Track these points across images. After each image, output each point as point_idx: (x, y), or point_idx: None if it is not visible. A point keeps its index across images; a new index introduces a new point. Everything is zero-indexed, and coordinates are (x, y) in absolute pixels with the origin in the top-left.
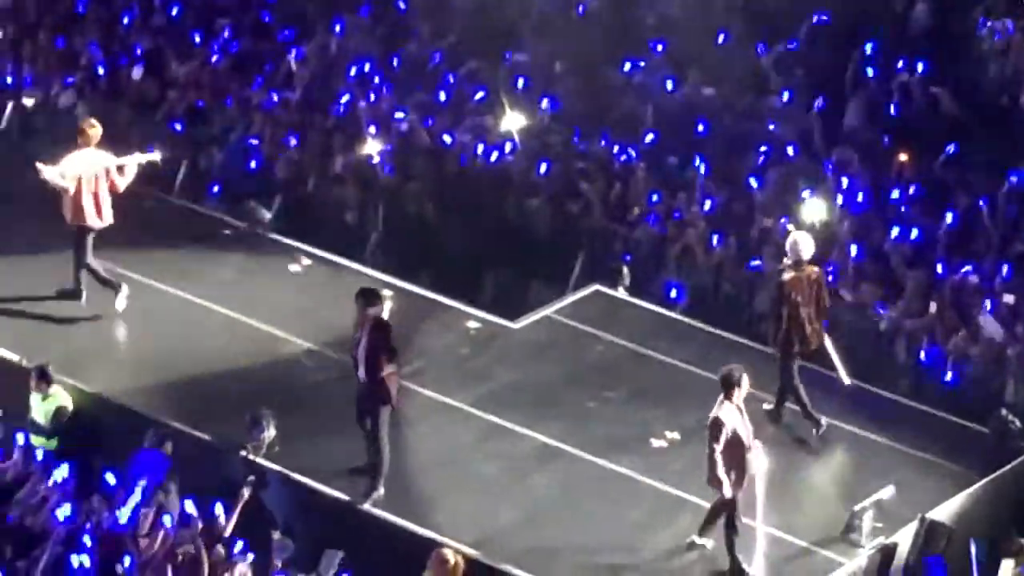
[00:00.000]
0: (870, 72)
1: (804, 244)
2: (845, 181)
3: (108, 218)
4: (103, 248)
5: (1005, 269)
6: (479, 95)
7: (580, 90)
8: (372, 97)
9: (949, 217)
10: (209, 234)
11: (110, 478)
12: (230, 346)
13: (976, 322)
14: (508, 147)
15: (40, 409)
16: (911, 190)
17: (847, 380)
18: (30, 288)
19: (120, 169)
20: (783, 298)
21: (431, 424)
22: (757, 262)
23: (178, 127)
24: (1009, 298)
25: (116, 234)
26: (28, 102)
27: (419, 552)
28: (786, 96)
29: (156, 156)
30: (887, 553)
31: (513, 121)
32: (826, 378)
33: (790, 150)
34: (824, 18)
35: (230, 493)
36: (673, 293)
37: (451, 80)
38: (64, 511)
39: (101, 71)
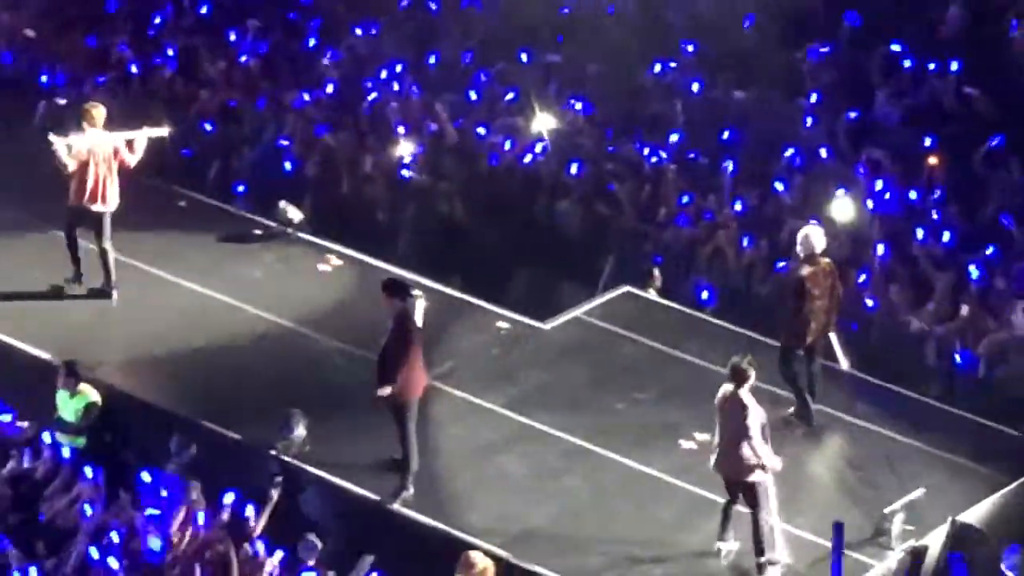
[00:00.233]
0: (902, 74)
1: (816, 237)
2: (879, 184)
3: (112, 203)
4: (135, 247)
5: None
6: (510, 96)
7: (611, 91)
8: (404, 97)
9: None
10: (240, 234)
11: (145, 477)
12: (260, 345)
13: (1008, 323)
14: (539, 148)
15: (69, 406)
16: (941, 192)
17: (846, 365)
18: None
19: (129, 145)
20: (804, 294)
21: (461, 425)
22: (782, 264)
23: (209, 127)
24: None
25: (147, 233)
26: (61, 101)
27: (450, 553)
28: (816, 98)
29: (165, 131)
30: (917, 556)
31: (544, 122)
32: (856, 379)
33: (823, 152)
34: (857, 20)
35: (259, 492)
36: (704, 295)
37: (482, 80)
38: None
39: (134, 69)
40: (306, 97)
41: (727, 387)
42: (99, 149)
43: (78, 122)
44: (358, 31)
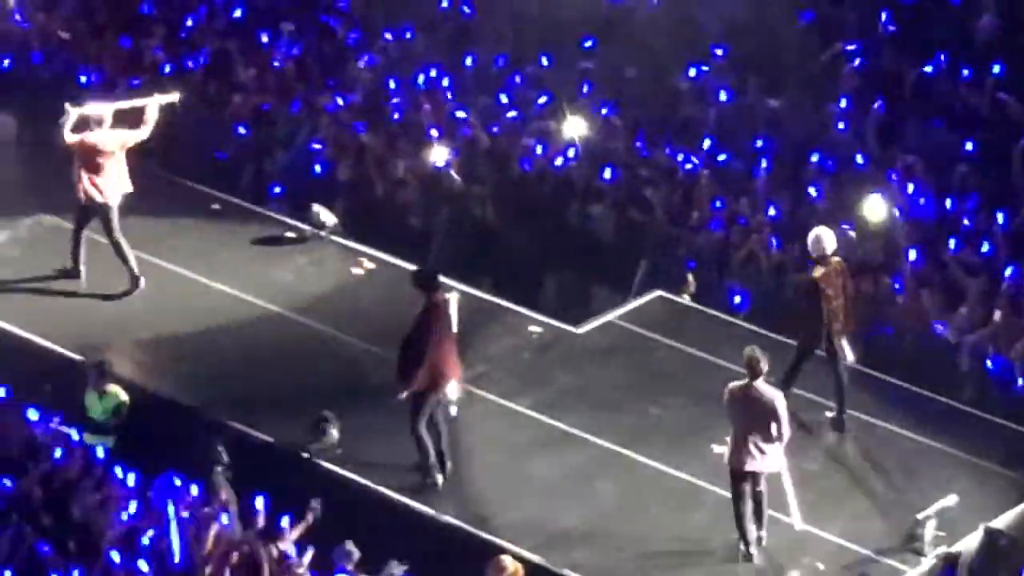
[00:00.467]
0: (936, 80)
1: (827, 239)
2: (910, 187)
3: (117, 196)
4: (169, 248)
5: None
6: (542, 99)
7: (644, 95)
8: (437, 101)
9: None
10: (273, 236)
11: (176, 481)
12: (292, 348)
13: None
14: (571, 152)
15: (98, 406)
16: (974, 198)
17: (852, 359)
18: (91, 285)
19: (139, 118)
20: (820, 294)
21: (493, 428)
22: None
23: (243, 130)
24: None
25: (181, 235)
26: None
27: (481, 556)
28: (848, 102)
29: (174, 97)
30: (949, 562)
31: (576, 126)
32: (890, 386)
33: (859, 159)
34: (891, 27)
35: (290, 496)
36: (737, 299)
37: (515, 84)
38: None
39: (167, 69)
40: (340, 101)
41: (739, 382)
42: (105, 147)
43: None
44: (388, 35)
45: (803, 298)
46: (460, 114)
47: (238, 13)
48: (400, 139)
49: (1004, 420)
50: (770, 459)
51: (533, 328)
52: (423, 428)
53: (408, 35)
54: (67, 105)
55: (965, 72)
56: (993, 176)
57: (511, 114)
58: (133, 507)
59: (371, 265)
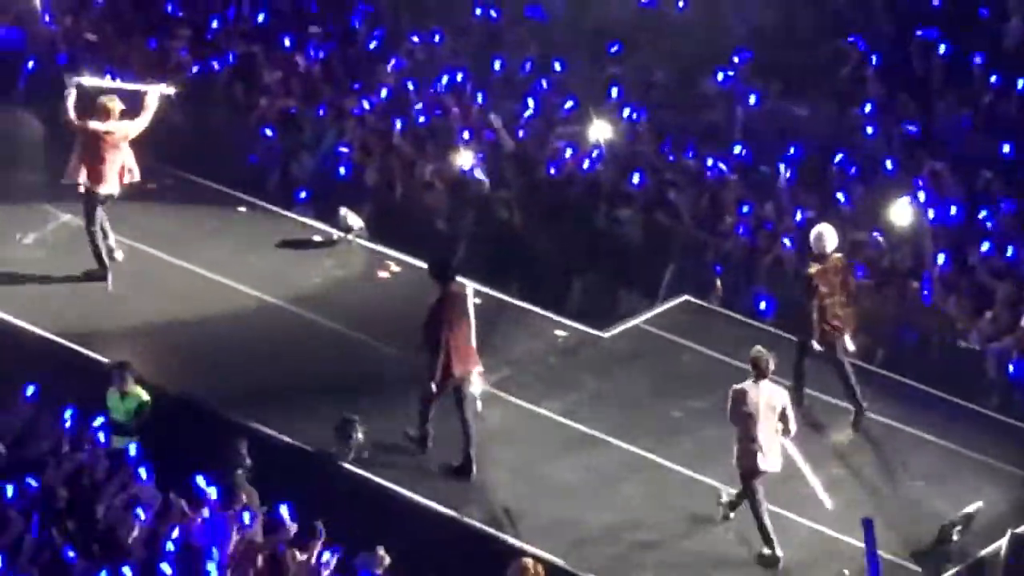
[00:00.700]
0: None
1: (828, 236)
2: (934, 193)
3: (114, 187)
4: (195, 251)
5: None
6: (569, 104)
7: (671, 100)
8: (464, 105)
9: None
10: (300, 239)
11: (200, 481)
12: (319, 351)
13: None
14: (595, 154)
15: (120, 407)
16: (1002, 204)
17: (852, 348)
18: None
19: (137, 109)
20: (811, 291)
21: (518, 432)
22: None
23: (269, 132)
24: None
25: (206, 237)
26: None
27: (506, 559)
28: (873, 108)
29: (171, 89)
30: (976, 569)
31: (603, 130)
32: (917, 391)
33: (888, 164)
34: (920, 32)
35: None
36: (763, 305)
37: (542, 88)
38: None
39: (194, 71)
40: (366, 105)
41: (745, 382)
42: (110, 137)
43: (97, 113)
44: (415, 39)
45: (803, 295)
46: (492, 115)
47: (261, 18)
48: (427, 143)
49: None
50: (777, 457)
51: (559, 332)
52: (430, 411)
53: (436, 38)
54: (66, 78)
55: (993, 78)
56: (1019, 181)
57: (537, 118)
58: (153, 510)
59: (397, 268)
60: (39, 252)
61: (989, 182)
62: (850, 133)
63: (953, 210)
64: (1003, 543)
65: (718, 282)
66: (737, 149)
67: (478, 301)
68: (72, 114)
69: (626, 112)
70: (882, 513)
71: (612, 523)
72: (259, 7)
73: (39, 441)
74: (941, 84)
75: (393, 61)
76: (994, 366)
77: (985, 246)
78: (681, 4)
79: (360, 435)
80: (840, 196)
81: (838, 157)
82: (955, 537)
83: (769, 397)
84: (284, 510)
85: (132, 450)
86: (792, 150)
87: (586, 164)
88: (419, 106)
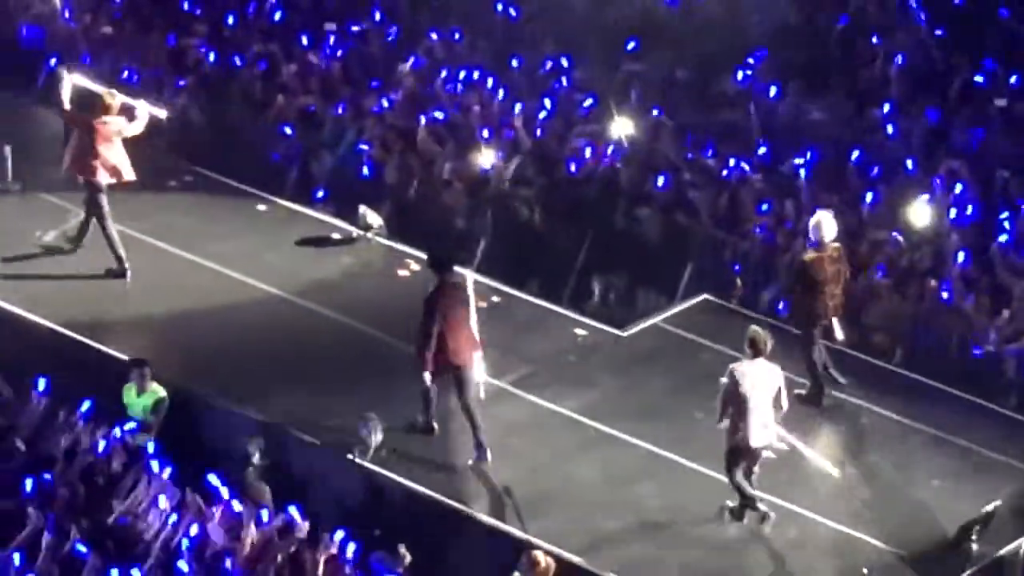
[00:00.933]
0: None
1: (827, 225)
2: (955, 190)
3: (110, 177)
4: (214, 249)
5: None
6: (588, 102)
7: (690, 99)
8: (485, 103)
9: None
10: (319, 238)
11: (213, 479)
12: (338, 350)
13: None
14: (611, 151)
15: (138, 404)
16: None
17: (841, 337)
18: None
19: (128, 114)
20: (807, 278)
21: (537, 431)
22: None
23: (289, 131)
24: None
25: (226, 235)
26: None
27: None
28: (891, 108)
29: (163, 114)
30: (995, 568)
31: (623, 127)
32: (935, 391)
33: (909, 163)
34: (938, 32)
35: (330, 497)
36: (781, 304)
37: (561, 86)
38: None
39: (212, 65)
40: (384, 103)
41: (743, 362)
42: (105, 131)
43: (96, 106)
44: (434, 35)
45: (795, 282)
46: (516, 111)
47: (278, 16)
48: (446, 141)
49: None
50: (772, 433)
51: (578, 331)
52: (432, 395)
53: (456, 36)
54: (60, 71)
55: (1012, 79)
56: None
57: (556, 117)
58: (170, 507)
59: (416, 267)
60: (58, 248)
61: (1007, 182)
62: (870, 132)
63: (969, 209)
64: (1022, 542)
65: (739, 281)
66: (754, 147)
67: (497, 299)
68: (67, 104)
69: (646, 111)
70: (900, 512)
71: (631, 522)
72: (277, 5)
73: (55, 437)
74: (960, 84)
75: (412, 59)
76: (1013, 366)
77: (1003, 237)
78: (702, 1)
79: (379, 433)
80: (860, 195)
81: (860, 161)
82: (974, 537)
83: (765, 375)
84: (294, 511)
85: (150, 447)
86: (811, 149)
87: (602, 163)
88: (439, 104)
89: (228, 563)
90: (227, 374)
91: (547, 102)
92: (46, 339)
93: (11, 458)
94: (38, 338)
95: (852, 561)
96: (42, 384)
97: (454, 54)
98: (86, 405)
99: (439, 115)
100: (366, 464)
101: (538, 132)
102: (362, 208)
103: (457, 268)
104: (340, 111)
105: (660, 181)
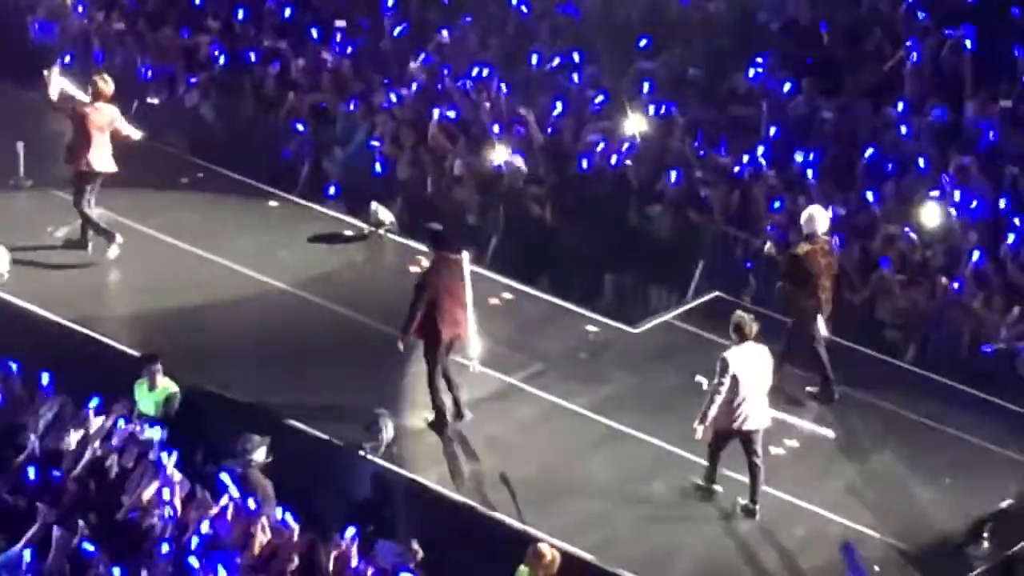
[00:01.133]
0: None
1: (819, 218)
2: (963, 189)
3: (105, 167)
4: (226, 245)
5: None
6: (599, 99)
7: (702, 96)
8: (494, 100)
9: None
10: (330, 234)
11: (224, 477)
12: (350, 346)
13: None
14: (625, 147)
15: (149, 399)
16: None
17: (825, 333)
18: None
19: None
20: (800, 271)
21: (549, 427)
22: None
23: (300, 127)
24: None
25: (237, 232)
26: (153, 100)
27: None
28: (905, 105)
29: (139, 136)
30: (1007, 566)
31: (635, 124)
32: (948, 388)
33: (916, 159)
34: (950, 31)
35: (341, 494)
36: None
37: (573, 83)
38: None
39: (222, 65)
40: (393, 98)
41: (735, 348)
42: (96, 118)
43: (88, 90)
44: (445, 32)
45: (787, 275)
46: (522, 111)
47: (288, 13)
48: (458, 137)
49: None
50: (765, 415)
51: (590, 328)
52: (439, 382)
53: (466, 33)
54: (51, 71)
55: None
56: None
57: (568, 113)
58: (178, 503)
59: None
60: (69, 244)
61: (1016, 178)
62: (882, 129)
63: (974, 204)
64: None
65: (751, 279)
66: (765, 144)
67: (509, 296)
68: (54, 96)
69: (656, 108)
70: (911, 510)
71: (642, 519)
72: (288, 1)
73: (65, 433)
74: (972, 81)
75: (422, 56)
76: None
77: (1011, 238)
78: None
79: (390, 429)
80: (872, 192)
81: (871, 158)
82: (985, 534)
83: (754, 359)
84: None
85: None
86: (822, 146)
87: (615, 159)
88: (450, 100)
89: (238, 560)
90: (237, 370)
91: (559, 104)
92: (57, 335)
93: (24, 454)
94: (49, 334)
95: (863, 558)
96: (45, 378)
97: (465, 50)
98: (95, 401)
99: (451, 113)
100: (377, 460)
101: (549, 129)
102: (374, 204)
103: (455, 245)
104: (352, 107)
105: (672, 178)
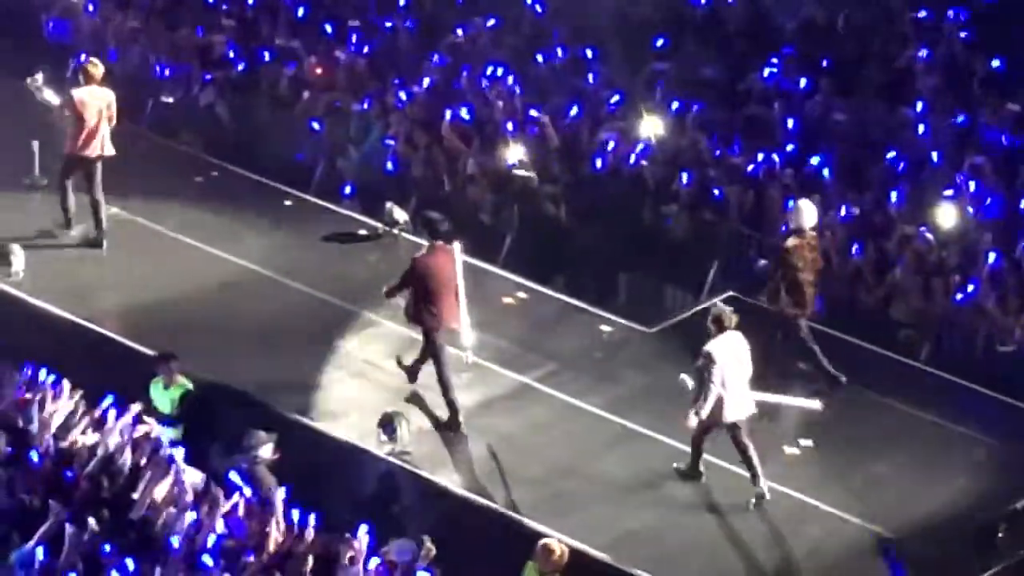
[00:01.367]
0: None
1: (807, 212)
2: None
3: (104, 151)
4: (241, 244)
5: None
6: (615, 98)
7: (717, 95)
8: (509, 99)
9: None
10: (345, 233)
11: (234, 476)
12: (361, 344)
13: None
14: (640, 148)
15: (164, 397)
16: None
17: (804, 329)
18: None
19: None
20: (786, 265)
21: (564, 427)
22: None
23: (316, 126)
24: None
25: (253, 232)
26: (168, 99)
27: None
28: (923, 105)
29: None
30: (1020, 567)
31: (651, 125)
32: (961, 387)
33: (932, 156)
34: (964, 34)
35: (353, 493)
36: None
37: (588, 83)
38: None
39: (238, 61)
40: (403, 96)
41: (716, 340)
42: (93, 102)
43: (78, 79)
44: (459, 31)
45: (777, 270)
46: (533, 113)
47: (301, 12)
48: (472, 137)
49: None
50: (749, 405)
51: (604, 327)
52: (450, 379)
53: (480, 33)
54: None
55: None
56: None
57: (583, 114)
58: (192, 501)
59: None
60: (84, 243)
61: None
62: (898, 129)
63: (988, 200)
64: None
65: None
66: (781, 144)
67: (523, 296)
68: (55, 102)
69: (673, 107)
70: (925, 510)
71: (657, 519)
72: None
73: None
74: (985, 81)
75: (436, 57)
76: None
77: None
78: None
79: (405, 429)
80: (887, 192)
81: (888, 157)
82: (1000, 535)
83: (734, 349)
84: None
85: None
86: (837, 146)
87: (632, 159)
88: (464, 100)
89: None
90: (253, 368)
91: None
92: (72, 333)
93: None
94: (64, 332)
95: (877, 559)
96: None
97: (479, 49)
98: (109, 399)
99: (464, 112)
100: (391, 459)
101: (565, 129)
102: (388, 204)
103: (449, 234)
104: (366, 106)
105: (685, 178)
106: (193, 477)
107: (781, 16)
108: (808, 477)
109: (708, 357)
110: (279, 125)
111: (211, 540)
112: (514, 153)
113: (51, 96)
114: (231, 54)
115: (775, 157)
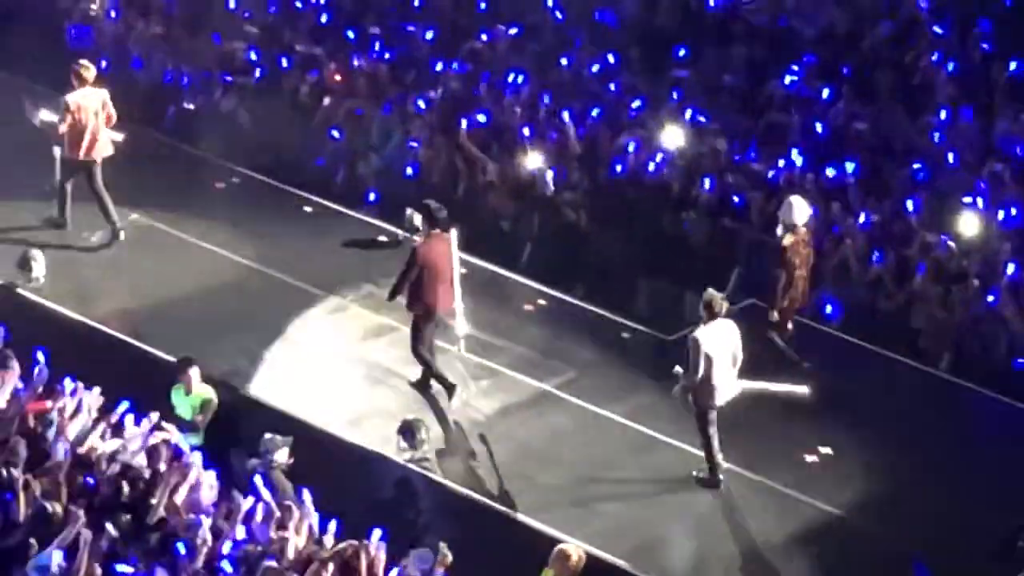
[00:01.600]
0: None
1: (799, 209)
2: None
3: (103, 152)
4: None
5: None
6: (636, 104)
7: (738, 102)
8: (531, 107)
9: None
10: (364, 240)
11: (257, 480)
12: (382, 350)
13: None
14: (659, 157)
15: (185, 404)
16: None
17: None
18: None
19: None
20: (785, 262)
21: (583, 435)
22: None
23: (336, 133)
24: None
25: (274, 238)
26: (189, 106)
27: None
28: (944, 112)
29: (119, 137)
30: None
31: (673, 134)
32: (982, 396)
33: (950, 156)
34: (984, 45)
35: (369, 498)
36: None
37: (610, 90)
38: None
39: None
40: (421, 104)
41: (703, 327)
42: (88, 104)
43: (71, 81)
44: (483, 36)
45: (774, 265)
46: (566, 115)
47: (324, 18)
48: (490, 143)
49: None
50: (733, 390)
51: (624, 335)
52: (424, 351)
53: (500, 39)
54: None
55: None
56: None
57: (603, 121)
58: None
59: (463, 270)
60: (107, 250)
61: None
62: (917, 136)
63: (1014, 212)
64: None
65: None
66: (800, 151)
67: (543, 302)
68: (63, 126)
69: (689, 114)
70: (946, 518)
71: (677, 527)
72: (324, 7)
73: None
74: (1006, 89)
75: (457, 62)
76: None
77: None
78: (750, 7)
79: (424, 437)
80: (906, 199)
81: (908, 164)
82: (1021, 543)
83: (723, 336)
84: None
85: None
86: (857, 153)
87: (652, 167)
88: (482, 106)
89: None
90: (272, 374)
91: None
92: (93, 339)
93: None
94: (85, 337)
95: (898, 567)
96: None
97: (500, 56)
98: (124, 405)
99: (481, 118)
100: (410, 465)
101: (584, 135)
102: (409, 210)
103: (446, 222)
104: (386, 112)
105: (707, 184)
106: (212, 482)
107: (803, 23)
108: (828, 484)
109: (695, 343)
110: (300, 131)
111: (227, 547)
112: (534, 160)
113: (48, 115)
114: (253, 59)
115: (797, 158)
